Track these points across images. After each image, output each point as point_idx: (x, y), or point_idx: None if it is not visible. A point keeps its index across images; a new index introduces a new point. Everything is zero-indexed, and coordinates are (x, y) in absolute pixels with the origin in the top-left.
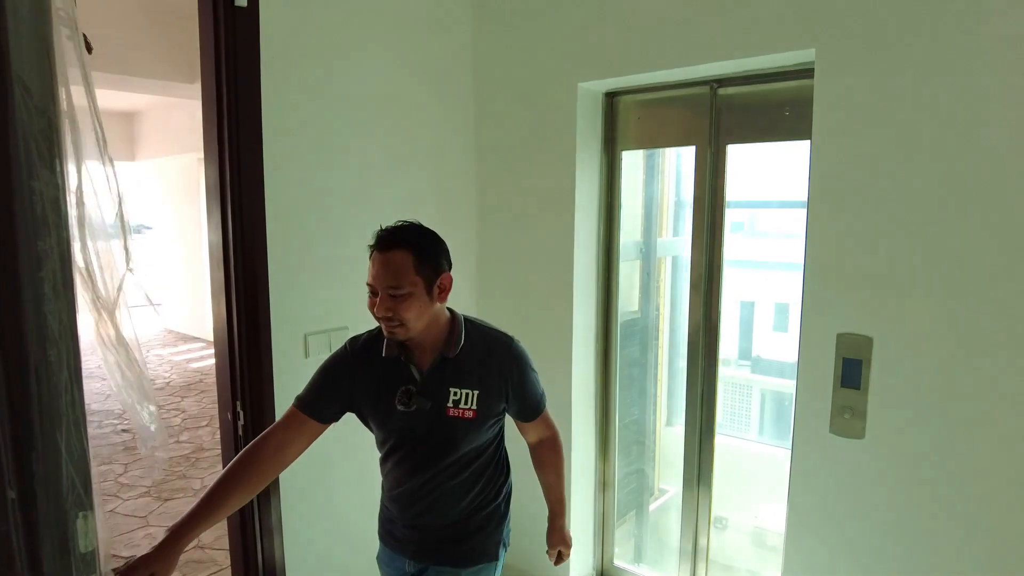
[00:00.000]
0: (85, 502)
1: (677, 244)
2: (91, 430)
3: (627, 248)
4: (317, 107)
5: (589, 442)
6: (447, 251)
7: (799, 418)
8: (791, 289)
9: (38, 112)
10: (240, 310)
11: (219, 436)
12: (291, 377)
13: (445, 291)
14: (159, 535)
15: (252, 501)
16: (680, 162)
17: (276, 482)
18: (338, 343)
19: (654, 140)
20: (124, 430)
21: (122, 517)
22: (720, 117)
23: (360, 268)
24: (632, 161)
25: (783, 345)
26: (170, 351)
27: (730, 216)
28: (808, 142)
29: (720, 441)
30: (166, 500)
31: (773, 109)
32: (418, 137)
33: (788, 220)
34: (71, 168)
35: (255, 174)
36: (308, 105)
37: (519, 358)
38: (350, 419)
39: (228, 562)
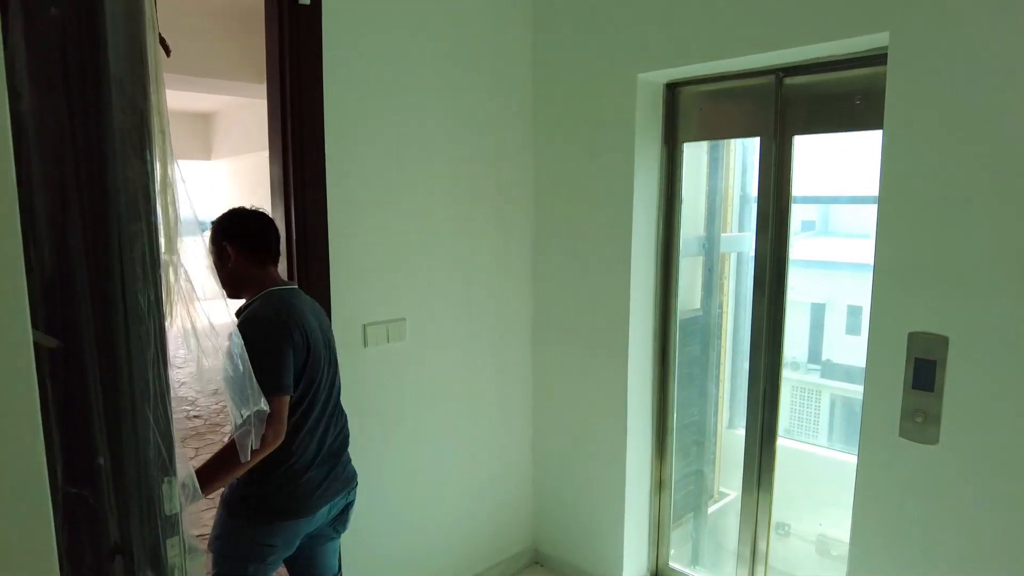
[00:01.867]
0: (170, 468)
1: (742, 240)
2: None
3: (689, 243)
4: (377, 100)
5: (645, 441)
6: (237, 228)
7: (867, 421)
8: (864, 290)
9: (131, 108)
10: None
11: None
12: (349, 366)
13: (229, 258)
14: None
15: None
16: (746, 154)
17: None
18: (396, 334)
19: (717, 131)
20: (196, 415)
21: None
22: (786, 107)
23: (419, 259)
24: (695, 153)
25: (855, 349)
26: None
27: (800, 214)
28: (880, 132)
29: (786, 445)
30: None
31: (842, 98)
32: (476, 129)
33: (861, 218)
34: (157, 164)
35: (317, 168)
36: (369, 99)
37: (243, 324)
38: (402, 408)
39: None
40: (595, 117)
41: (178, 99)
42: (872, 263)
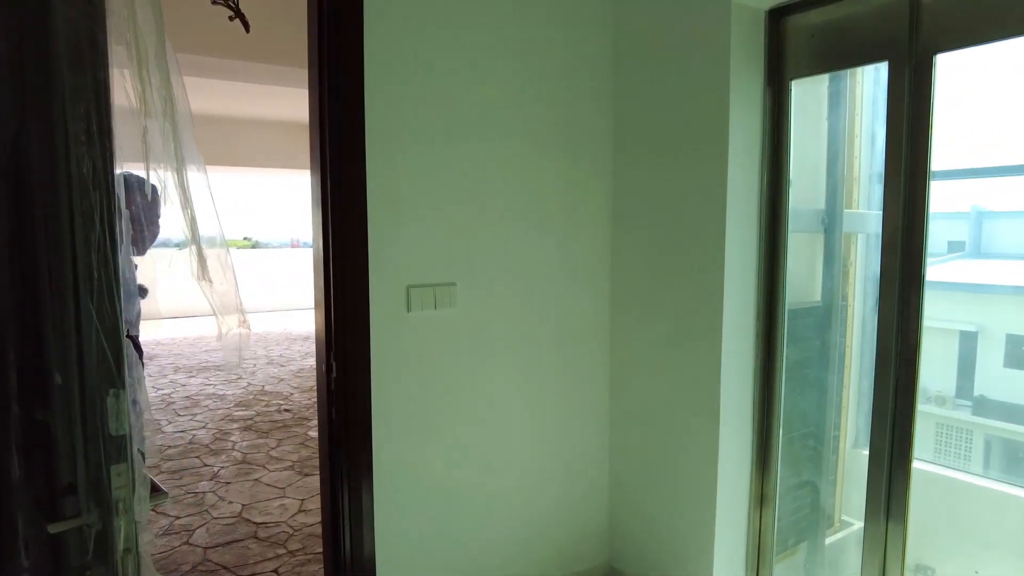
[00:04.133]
0: (117, 379)
1: (875, 219)
2: (259, 408)
3: (803, 216)
4: (429, 44)
5: (743, 447)
6: None
7: None
8: None
9: None
10: (339, 259)
11: None
12: (391, 329)
13: None
14: (291, 506)
15: (342, 488)
16: (877, 110)
17: (369, 469)
18: (444, 298)
19: (831, 60)
20: (287, 410)
21: (263, 486)
22: (925, 16)
23: (473, 218)
24: (808, 109)
25: (1018, 385)
26: None
27: (944, 228)
28: None
29: (929, 471)
30: (306, 475)
31: None
32: (544, 72)
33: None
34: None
35: (354, 101)
36: (417, 40)
37: None
38: (450, 384)
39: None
40: (680, 54)
41: (276, 107)
42: None
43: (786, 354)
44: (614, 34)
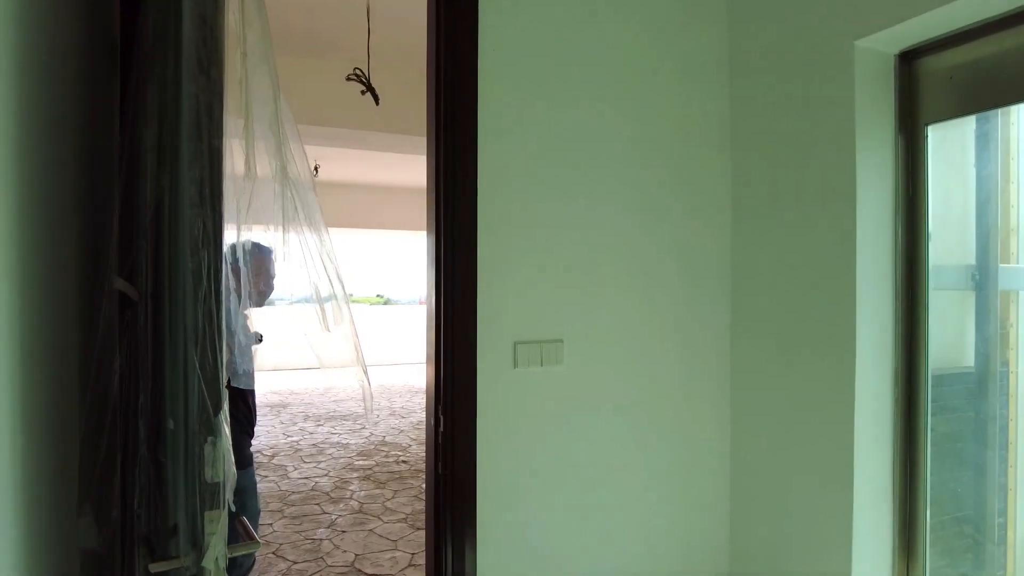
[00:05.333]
0: (214, 427)
1: None
2: (378, 458)
3: (949, 273)
4: (541, 100)
5: (882, 527)
6: None
7: None
8: None
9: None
10: (449, 315)
11: None
12: (497, 385)
13: None
14: (401, 560)
15: (446, 545)
16: None
17: (473, 526)
18: (550, 355)
19: (975, 101)
20: (403, 460)
21: (377, 537)
22: None
23: (578, 278)
24: (950, 148)
25: None
26: None
27: None
28: None
29: None
30: (417, 528)
31: None
32: (657, 126)
33: None
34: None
35: (468, 167)
36: (531, 99)
37: None
38: (555, 445)
39: None
40: (800, 103)
41: (405, 173)
42: None
43: (932, 424)
44: (729, 84)
